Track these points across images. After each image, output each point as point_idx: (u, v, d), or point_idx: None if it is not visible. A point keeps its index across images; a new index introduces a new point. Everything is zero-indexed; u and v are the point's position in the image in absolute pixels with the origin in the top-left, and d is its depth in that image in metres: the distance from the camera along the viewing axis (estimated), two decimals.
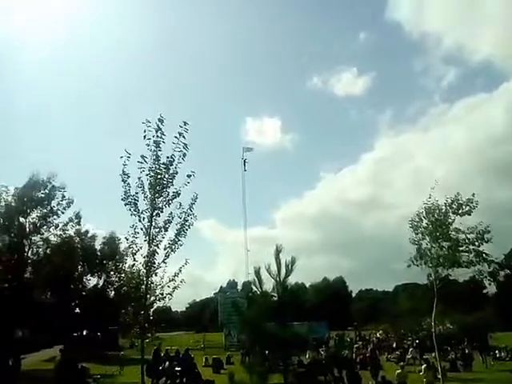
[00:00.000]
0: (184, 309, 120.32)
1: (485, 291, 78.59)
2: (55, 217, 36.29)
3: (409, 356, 29.31)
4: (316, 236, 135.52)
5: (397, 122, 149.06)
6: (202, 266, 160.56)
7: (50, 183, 36.89)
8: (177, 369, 21.58)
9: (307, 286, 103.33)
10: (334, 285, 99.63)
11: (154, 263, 10.91)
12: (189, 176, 10.60)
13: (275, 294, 8.02)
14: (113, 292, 45.32)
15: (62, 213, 37.06)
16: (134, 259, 11.16)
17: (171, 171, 10.52)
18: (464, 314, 36.41)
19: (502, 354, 32.60)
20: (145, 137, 10.05)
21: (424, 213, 13.09)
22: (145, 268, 10.89)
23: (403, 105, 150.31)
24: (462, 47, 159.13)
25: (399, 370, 17.46)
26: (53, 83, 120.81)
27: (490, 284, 71.39)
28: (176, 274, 11.05)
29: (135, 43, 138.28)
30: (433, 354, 17.78)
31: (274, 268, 8.06)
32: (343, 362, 20.86)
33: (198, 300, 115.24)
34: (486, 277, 13.23)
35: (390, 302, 46.84)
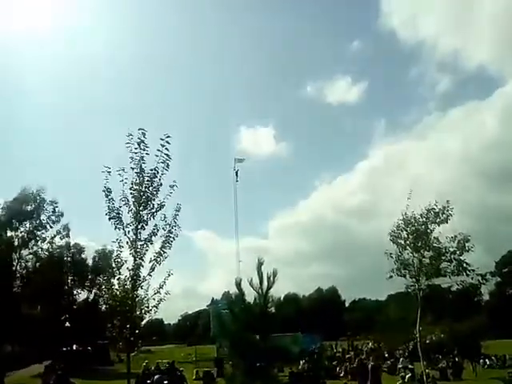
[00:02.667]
0: (176, 321, 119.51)
1: (477, 299, 79.11)
2: (43, 231, 36.16)
3: (400, 366, 29.34)
4: (310, 245, 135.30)
5: (391, 130, 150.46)
6: (195, 277, 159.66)
7: (40, 196, 36.84)
8: (165, 382, 21.41)
9: (301, 296, 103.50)
10: (328, 295, 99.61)
11: (140, 276, 10.92)
12: (171, 186, 10.72)
13: (257, 306, 8.07)
14: (104, 306, 44.92)
15: (51, 227, 36.95)
16: (119, 273, 11.17)
17: (155, 183, 10.61)
18: (455, 322, 36.51)
19: (492, 362, 32.78)
20: (128, 150, 10.19)
21: (403, 224, 13.12)
22: (130, 281, 10.89)
23: (398, 113, 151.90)
24: (457, 54, 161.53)
25: (400, 381, 17.32)
26: (39, 95, 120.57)
27: (475, 293, 72.11)
28: (161, 286, 11.05)
29: (126, 50, 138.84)
30: (424, 363, 17.78)
31: (256, 280, 8.17)
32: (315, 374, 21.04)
33: (190, 312, 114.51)
34: (468, 287, 13.24)
35: (382, 311, 46.77)
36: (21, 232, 35.47)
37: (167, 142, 10.50)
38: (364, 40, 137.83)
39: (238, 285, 8.09)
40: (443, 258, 12.52)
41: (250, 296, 8.08)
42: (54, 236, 38.16)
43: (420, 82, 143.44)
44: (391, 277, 13.18)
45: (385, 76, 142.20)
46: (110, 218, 10.57)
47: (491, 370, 29.58)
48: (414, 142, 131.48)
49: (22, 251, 35.67)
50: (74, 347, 42.98)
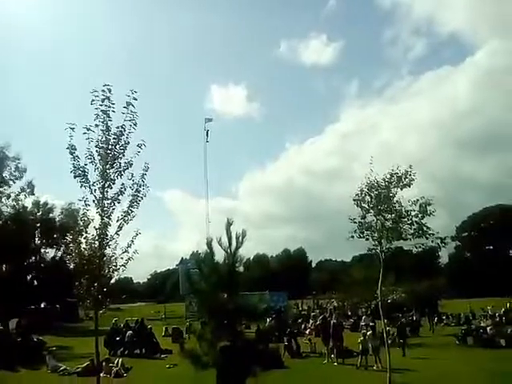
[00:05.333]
0: (146, 280, 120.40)
1: (437, 261, 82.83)
2: (6, 187, 35.24)
3: (362, 323, 30.69)
4: (280, 207, 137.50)
5: (363, 93, 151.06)
6: (165, 236, 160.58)
7: (3, 152, 35.67)
8: (135, 339, 21.78)
9: (269, 256, 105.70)
10: (295, 255, 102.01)
11: (107, 235, 10.80)
12: (139, 145, 10.48)
13: (226, 266, 8.17)
14: (72, 264, 44.29)
15: (14, 182, 36.03)
16: (86, 231, 11.02)
17: (122, 141, 10.34)
18: (415, 283, 38.20)
19: (449, 320, 34.73)
20: (93, 106, 9.84)
21: (366, 188, 13.32)
22: (97, 240, 10.78)
23: (370, 76, 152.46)
24: (432, 18, 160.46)
25: (361, 338, 18.22)
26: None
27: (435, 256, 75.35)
28: (129, 245, 10.98)
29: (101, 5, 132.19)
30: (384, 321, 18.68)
31: (225, 240, 8.23)
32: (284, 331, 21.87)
33: (159, 271, 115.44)
34: (428, 250, 13.63)
35: (347, 271, 48.35)
36: None
37: (134, 99, 10.20)
38: None
39: (209, 244, 8.16)
40: (404, 220, 12.86)
41: (219, 256, 8.18)
42: (19, 193, 37.26)
43: (394, 44, 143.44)
44: (352, 237, 13.52)
45: (359, 37, 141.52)
46: (75, 176, 10.31)
47: (447, 327, 31.37)
48: (386, 106, 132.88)
49: None
50: (42, 305, 42.82)
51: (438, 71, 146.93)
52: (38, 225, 42.10)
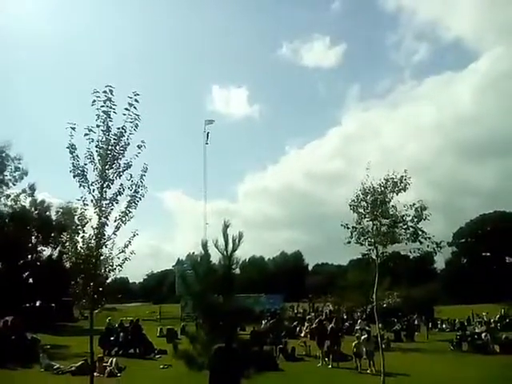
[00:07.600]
0: (142, 280, 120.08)
1: (433, 267, 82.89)
2: (5, 187, 35.18)
3: (357, 327, 30.74)
4: (278, 211, 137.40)
5: (365, 96, 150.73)
6: (162, 237, 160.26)
7: (3, 152, 35.62)
8: (129, 338, 21.79)
9: (266, 259, 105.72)
10: (292, 258, 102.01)
11: (104, 235, 10.81)
12: (139, 147, 10.48)
13: (221, 268, 8.20)
14: (68, 263, 44.18)
15: (14, 184, 36.00)
16: (84, 231, 11.02)
17: (122, 142, 10.35)
18: (411, 288, 38.32)
19: (444, 325, 34.79)
20: (94, 106, 9.85)
21: (361, 194, 13.36)
22: (94, 240, 10.78)
23: (373, 79, 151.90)
24: (436, 23, 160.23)
25: (356, 342, 18.29)
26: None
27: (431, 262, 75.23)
28: (126, 246, 10.98)
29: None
30: (379, 326, 18.75)
31: (221, 242, 8.27)
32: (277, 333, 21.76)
33: (156, 271, 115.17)
34: (423, 255, 13.71)
35: (343, 275, 48.43)
36: None
37: (136, 101, 10.20)
38: (344, 1, 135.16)
39: (204, 246, 8.19)
40: (400, 225, 12.90)
41: (216, 257, 8.21)
42: (19, 194, 37.21)
43: (397, 48, 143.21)
44: (349, 242, 13.60)
45: (362, 41, 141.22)
46: (74, 176, 10.31)
47: (442, 333, 31.42)
48: (388, 110, 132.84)
49: None
50: (38, 303, 42.65)
51: (441, 76, 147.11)
52: (35, 223, 41.92)
